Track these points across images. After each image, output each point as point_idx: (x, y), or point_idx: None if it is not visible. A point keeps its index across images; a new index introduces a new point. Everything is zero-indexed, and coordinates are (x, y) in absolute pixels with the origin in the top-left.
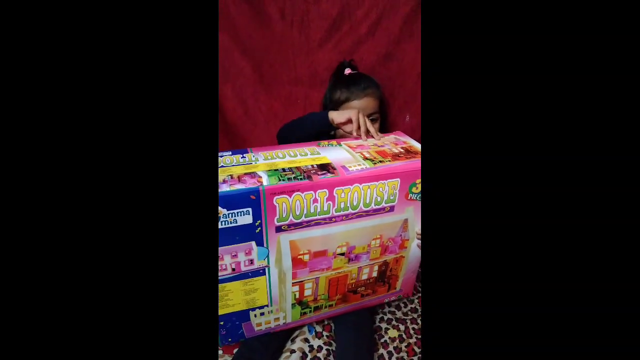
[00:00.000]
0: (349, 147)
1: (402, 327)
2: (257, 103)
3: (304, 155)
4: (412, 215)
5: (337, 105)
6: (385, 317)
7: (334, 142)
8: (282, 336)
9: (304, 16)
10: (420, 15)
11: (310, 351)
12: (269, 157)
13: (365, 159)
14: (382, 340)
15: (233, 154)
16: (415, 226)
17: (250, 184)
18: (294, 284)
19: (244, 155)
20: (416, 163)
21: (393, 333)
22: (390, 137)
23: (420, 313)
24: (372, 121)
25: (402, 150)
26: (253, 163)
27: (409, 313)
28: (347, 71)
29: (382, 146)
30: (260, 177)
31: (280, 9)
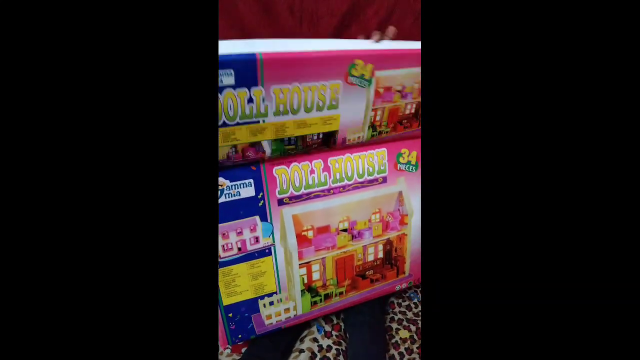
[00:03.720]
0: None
1: (413, 328)
2: None
3: (319, 110)
4: (405, 188)
5: None
6: (396, 318)
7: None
8: (291, 335)
9: (314, 13)
10: None
11: (319, 351)
12: (282, 105)
13: (372, 124)
14: (393, 340)
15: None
16: (411, 200)
17: (253, 158)
18: (301, 265)
19: (251, 88)
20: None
21: (404, 334)
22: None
23: None
24: None
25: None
26: (260, 121)
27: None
28: None
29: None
30: (264, 152)
31: (290, 5)
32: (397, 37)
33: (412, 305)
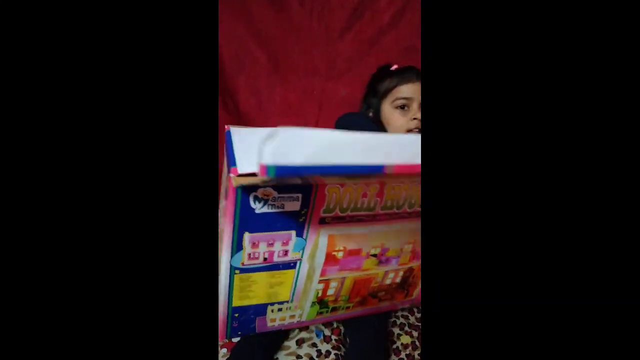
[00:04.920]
0: None
1: (415, 334)
2: (272, 95)
3: None
4: None
5: (384, 95)
6: (398, 322)
7: None
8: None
9: (324, 4)
10: None
11: (318, 356)
12: None
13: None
14: (395, 346)
15: None
16: None
17: None
18: (320, 281)
19: None
20: None
21: (406, 339)
22: None
23: None
24: None
25: None
26: None
27: None
28: (395, 67)
29: None
30: None
31: None
32: (410, 29)
33: (415, 310)
